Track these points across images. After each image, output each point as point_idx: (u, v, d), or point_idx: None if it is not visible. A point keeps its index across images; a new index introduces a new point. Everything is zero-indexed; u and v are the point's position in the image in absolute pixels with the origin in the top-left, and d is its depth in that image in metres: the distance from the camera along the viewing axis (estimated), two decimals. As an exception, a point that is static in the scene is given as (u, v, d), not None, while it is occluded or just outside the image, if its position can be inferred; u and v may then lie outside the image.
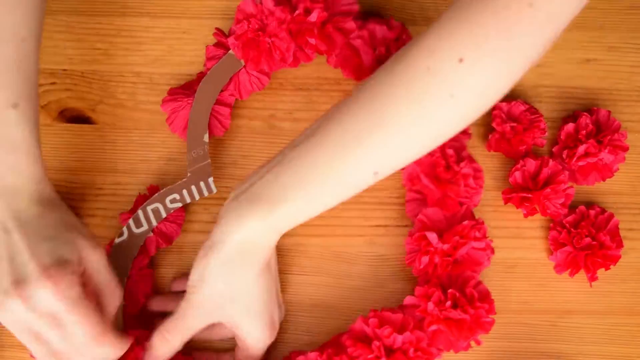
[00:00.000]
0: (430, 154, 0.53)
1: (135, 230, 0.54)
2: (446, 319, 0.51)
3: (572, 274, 0.55)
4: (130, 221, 0.54)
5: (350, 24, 0.55)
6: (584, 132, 0.56)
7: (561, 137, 0.57)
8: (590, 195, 0.57)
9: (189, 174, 0.55)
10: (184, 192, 0.55)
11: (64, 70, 0.60)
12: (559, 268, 0.55)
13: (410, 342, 0.50)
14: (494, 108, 0.57)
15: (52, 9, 0.61)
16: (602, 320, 0.55)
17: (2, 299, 0.45)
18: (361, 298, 0.55)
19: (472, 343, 0.52)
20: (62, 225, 0.47)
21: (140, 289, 0.54)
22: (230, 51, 0.56)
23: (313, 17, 0.54)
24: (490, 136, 0.57)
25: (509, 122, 0.56)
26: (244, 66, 0.57)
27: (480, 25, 0.43)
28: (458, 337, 0.51)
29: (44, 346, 0.46)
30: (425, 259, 0.53)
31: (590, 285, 0.55)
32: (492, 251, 0.54)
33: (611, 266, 0.54)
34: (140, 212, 0.54)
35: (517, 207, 0.56)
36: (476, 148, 0.58)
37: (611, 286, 0.56)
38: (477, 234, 0.53)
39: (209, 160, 0.55)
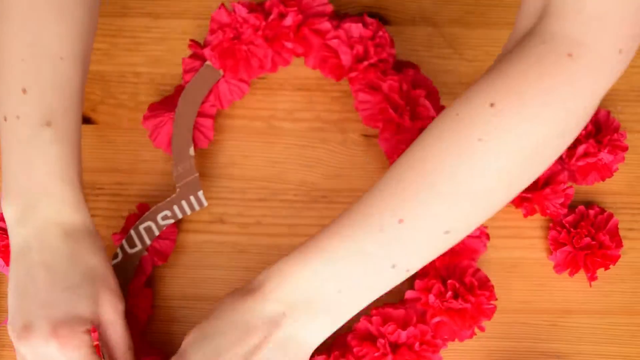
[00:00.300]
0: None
1: (130, 251, 0.54)
2: (448, 310, 0.51)
3: (571, 274, 0.55)
4: (124, 242, 0.54)
5: (326, 25, 0.56)
6: (583, 132, 0.56)
7: None
8: (589, 195, 0.57)
9: (177, 190, 0.55)
10: (175, 207, 0.55)
11: (65, 70, 0.60)
12: (559, 268, 0.55)
13: (415, 336, 0.50)
14: None
15: (52, 10, 0.61)
16: (602, 320, 0.55)
17: (14, 338, 0.44)
18: (361, 298, 0.56)
19: (477, 330, 0.52)
20: (88, 274, 0.46)
21: (140, 309, 0.54)
22: (208, 62, 0.56)
23: (288, 21, 0.54)
24: None
25: None
26: (223, 76, 0.57)
27: (516, 76, 0.42)
28: (461, 327, 0.51)
29: None
30: None
31: (590, 285, 0.55)
32: (487, 237, 0.54)
33: (611, 266, 0.54)
34: (132, 232, 0.54)
35: (517, 207, 0.56)
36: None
37: (611, 286, 0.56)
38: None
39: (197, 174, 0.55)
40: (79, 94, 0.47)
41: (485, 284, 0.52)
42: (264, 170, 0.58)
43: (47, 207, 0.45)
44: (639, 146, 0.58)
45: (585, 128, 0.56)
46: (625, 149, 0.56)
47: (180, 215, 0.55)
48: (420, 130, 0.54)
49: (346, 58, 0.56)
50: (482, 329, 0.52)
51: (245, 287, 0.47)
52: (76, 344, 0.43)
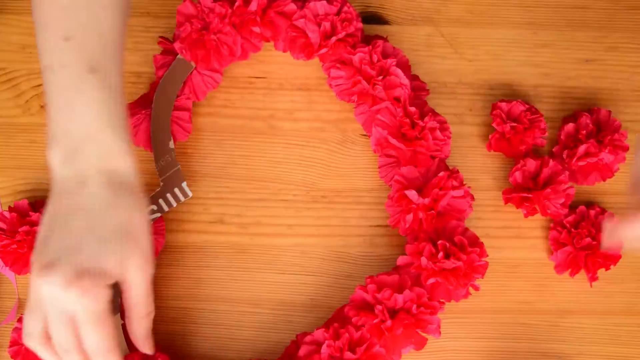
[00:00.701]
0: (393, 115, 0.54)
1: None
2: (442, 270, 0.51)
3: (572, 274, 0.55)
4: None
5: (291, 7, 0.56)
6: (584, 132, 0.56)
7: (561, 137, 0.57)
8: (590, 195, 0.57)
9: (161, 183, 0.55)
10: (160, 201, 0.55)
11: (64, 70, 0.60)
12: (560, 268, 0.55)
13: (412, 299, 0.50)
14: (494, 108, 0.57)
15: (52, 9, 0.61)
16: (602, 320, 0.55)
17: (35, 272, 0.43)
18: (361, 298, 0.56)
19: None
20: (123, 229, 0.45)
21: None
22: (179, 55, 0.56)
23: (253, 6, 0.55)
24: (490, 136, 0.57)
25: (509, 122, 0.56)
26: (195, 67, 0.57)
27: None
28: (456, 286, 0.51)
29: (53, 339, 0.45)
30: (409, 217, 0.53)
31: (591, 285, 0.55)
32: (472, 198, 0.54)
33: (611, 266, 0.54)
34: None
35: (517, 207, 0.56)
36: (476, 148, 0.58)
37: (611, 286, 0.56)
38: (455, 183, 0.53)
39: (179, 166, 0.55)
40: (120, 43, 0.48)
41: (475, 242, 0.52)
42: (264, 170, 0.58)
43: (91, 152, 0.45)
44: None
45: (587, 128, 0.56)
46: (626, 149, 0.56)
47: (166, 209, 0.55)
48: (395, 99, 0.55)
49: (314, 36, 0.56)
50: (476, 288, 0.52)
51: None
52: (95, 296, 0.43)
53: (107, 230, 0.45)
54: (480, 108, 0.59)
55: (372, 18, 0.60)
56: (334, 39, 0.55)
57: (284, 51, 0.58)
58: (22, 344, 0.49)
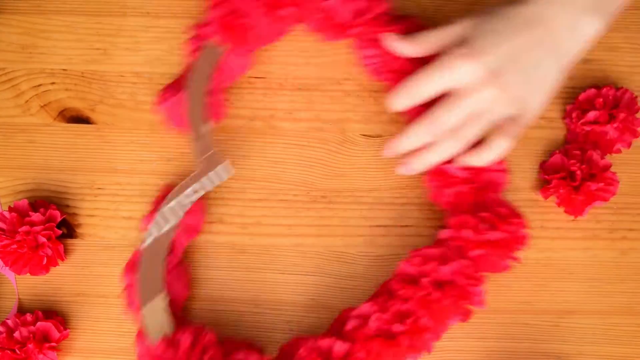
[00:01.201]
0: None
1: (160, 232, 0.54)
2: (486, 241, 0.51)
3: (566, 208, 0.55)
4: (152, 225, 0.54)
5: None
6: (601, 100, 0.56)
7: (579, 98, 0.57)
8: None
9: (200, 165, 0.55)
10: (201, 181, 0.55)
11: (64, 70, 0.60)
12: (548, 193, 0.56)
13: (457, 271, 0.51)
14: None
15: (52, 9, 0.61)
16: (602, 320, 0.55)
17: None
18: (361, 298, 0.55)
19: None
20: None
21: (180, 284, 0.54)
22: (210, 40, 0.57)
23: None
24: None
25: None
26: (226, 51, 0.57)
27: None
28: (501, 256, 0.52)
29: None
30: (450, 191, 0.54)
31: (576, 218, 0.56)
32: (507, 171, 0.55)
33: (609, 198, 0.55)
34: (160, 213, 0.54)
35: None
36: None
37: (611, 286, 0.56)
38: None
39: (215, 149, 0.55)
40: None
41: (515, 213, 0.53)
42: (264, 170, 0.58)
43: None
44: (639, 146, 0.58)
45: (606, 98, 0.56)
46: (635, 134, 0.56)
47: (208, 188, 0.55)
48: None
49: (345, 16, 0.56)
50: (517, 260, 0.53)
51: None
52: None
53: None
54: (480, 108, 0.59)
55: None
56: (366, 17, 0.56)
57: (314, 32, 0.58)
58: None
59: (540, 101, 0.52)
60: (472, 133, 0.52)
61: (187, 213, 0.55)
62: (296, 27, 0.59)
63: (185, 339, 0.50)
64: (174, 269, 0.54)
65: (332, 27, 0.57)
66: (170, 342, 0.51)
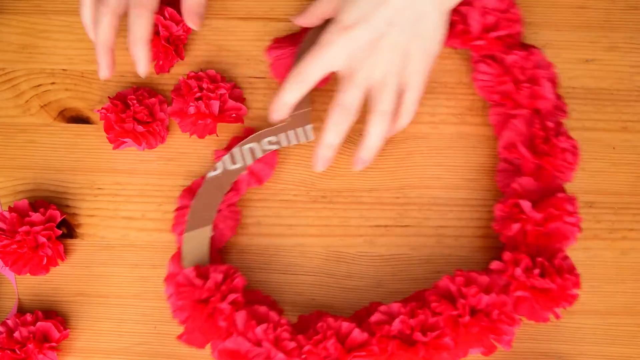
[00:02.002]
0: (529, 125, 0.55)
1: (230, 167, 0.55)
2: (532, 287, 0.51)
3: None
4: (226, 157, 0.55)
5: None
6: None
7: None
8: (590, 195, 0.57)
9: (289, 118, 0.55)
10: (282, 135, 0.55)
11: (64, 70, 0.60)
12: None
13: (495, 304, 0.50)
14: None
15: (51, 9, 0.61)
16: (602, 320, 0.55)
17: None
18: (361, 298, 0.55)
19: (552, 318, 0.51)
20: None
21: (227, 225, 0.55)
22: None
23: None
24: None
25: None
26: None
27: None
28: (543, 306, 0.51)
29: None
30: (516, 226, 0.53)
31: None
32: (580, 229, 0.53)
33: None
34: (237, 149, 0.55)
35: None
36: (476, 148, 0.58)
37: (612, 287, 0.56)
38: (570, 208, 0.52)
39: (310, 108, 0.56)
40: None
41: (572, 271, 0.51)
42: (264, 170, 0.58)
43: None
44: (639, 146, 0.58)
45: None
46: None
47: (285, 143, 0.55)
48: (535, 110, 0.55)
49: (476, 26, 0.56)
50: (557, 317, 0.51)
51: None
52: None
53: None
54: (480, 108, 0.59)
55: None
56: (494, 34, 0.56)
57: None
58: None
59: (433, 38, 0.53)
60: (387, 104, 0.53)
61: (259, 161, 0.55)
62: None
63: (216, 275, 0.51)
64: (227, 208, 0.55)
65: (459, 32, 0.57)
66: (202, 273, 0.51)
